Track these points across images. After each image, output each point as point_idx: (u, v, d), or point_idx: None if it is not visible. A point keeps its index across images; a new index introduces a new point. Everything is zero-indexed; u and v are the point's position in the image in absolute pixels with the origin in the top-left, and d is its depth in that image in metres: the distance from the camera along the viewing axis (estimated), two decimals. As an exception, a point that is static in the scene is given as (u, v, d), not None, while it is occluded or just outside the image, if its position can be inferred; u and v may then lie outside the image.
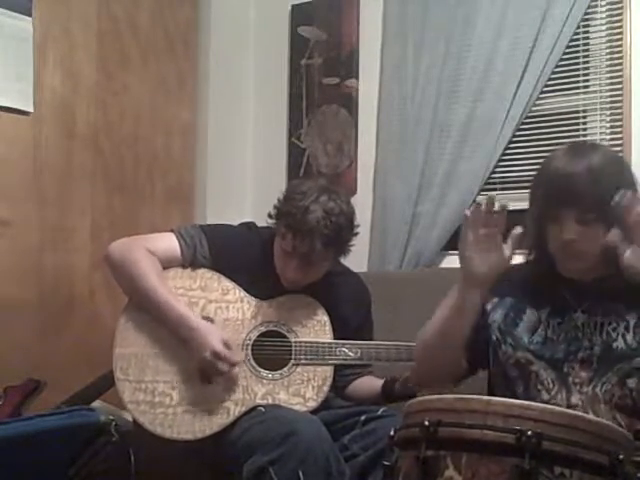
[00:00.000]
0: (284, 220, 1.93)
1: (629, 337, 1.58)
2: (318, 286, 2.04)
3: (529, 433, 1.17)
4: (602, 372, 1.58)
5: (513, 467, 1.17)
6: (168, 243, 2.01)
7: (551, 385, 1.61)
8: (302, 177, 2.02)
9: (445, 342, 1.66)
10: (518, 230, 1.60)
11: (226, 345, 1.88)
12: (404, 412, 1.39)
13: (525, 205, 1.72)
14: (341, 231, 1.93)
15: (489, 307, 1.73)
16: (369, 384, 2.10)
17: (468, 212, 1.61)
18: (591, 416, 1.27)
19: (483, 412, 1.22)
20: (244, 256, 2.04)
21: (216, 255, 2.01)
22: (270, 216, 2.01)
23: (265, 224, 2.07)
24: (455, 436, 1.22)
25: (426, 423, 1.24)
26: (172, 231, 2.04)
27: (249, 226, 2.14)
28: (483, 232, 1.60)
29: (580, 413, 1.32)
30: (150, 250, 1.97)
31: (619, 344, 1.58)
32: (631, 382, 1.56)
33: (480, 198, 2.75)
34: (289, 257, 1.95)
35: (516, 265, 1.78)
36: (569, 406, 1.58)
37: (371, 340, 2.11)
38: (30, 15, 2.52)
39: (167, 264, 1.99)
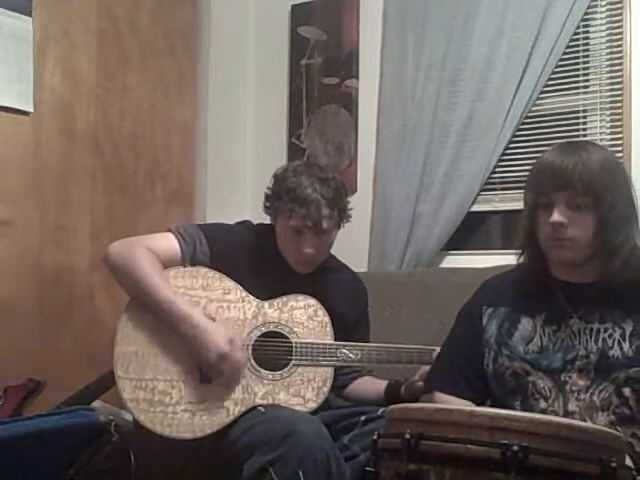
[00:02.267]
0: (286, 199, 1.96)
1: (625, 346, 1.58)
2: (315, 281, 2.05)
3: (515, 448, 1.13)
4: (599, 381, 1.58)
5: None
6: (167, 242, 2.01)
7: (548, 393, 1.61)
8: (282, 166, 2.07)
9: None
10: None
11: (232, 344, 1.88)
12: (386, 418, 1.37)
13: (525, 205, 1.72)
14: (340, 193, 2.00)
15: (485, 320, 1.73)
16: (371, 385, 2.10)
17: None
18: (580, 423, 1.24)
19: (466, 425, 1.19)
20: (243, 253, 2.04)
21: (216, 252, 2.01)
22: (267, 207, 2.04)
23: (261, 223, 2.09)
24: (438, 450, 1.19)
25: (407, 436, 1.20)
26: (170, 231, 2.04)
27: (246, 224, 2.15)
28: None
29: (568, 421, 1.30)
30: (150, 249, 1.97)
31: (615, 352, 1.58)
32: (627, 391, 1.56)
33: (480, 198, 2.75)
34: (300, 234, 1.97)
35: (507, 270, 1.79)
36: (566, 413, 1.58)
37: (367, 338, 2.12)
38: (30, 15, 2.52)
39: (167, 263, 1.99)
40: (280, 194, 1.98)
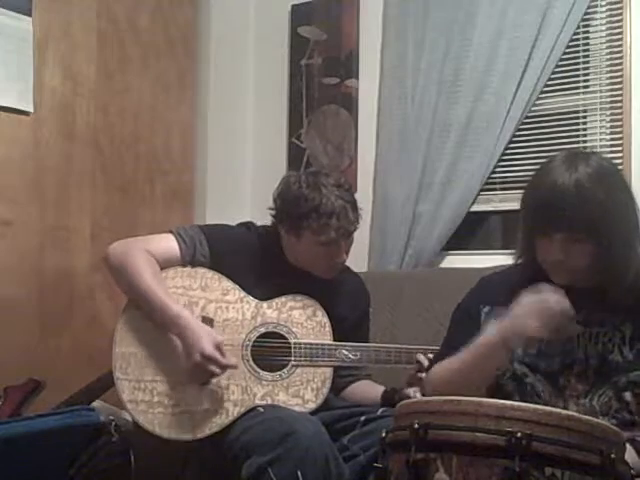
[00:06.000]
0: (314, 216, 1.93)
1: (625, 350, 1.58)
2: (318, 283, 2.04)
3: (519, 435, 1.16)
4: (598, 385, 1.57)
5: (503, 469, 1.17)
6: (167, 244, 2.01)
7: (547, 397, 1.60)
8: (283, 183, 2.05)
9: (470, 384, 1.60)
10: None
11: (218, 348, 1.86)
12: (394, 414, 1.39)
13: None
14: (352, 192, 2.03)
15: (482, 317, 1.71)
16: (368, 390, 2.10)
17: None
18: (582, 415, 1.27)
19: (474, 414, 1.22)
20: (244, 255, 2.04)
21: (216, 255, 2.01)
22: (287, 228, 1.99)
23: (263, 223, 2.10)
24: (445, 439, 1.22)
25: (415, 426, 1.23)
26: (171, 232, 2.04)
27: (247, 226, 2.14)
28: None
29: (571, 412, 1.32)
30: (149, 251, 1.97)
31: (615, 356, 1.58)
32: (627, 395, 1.55)
33: (480, 198, 2.75)
34: (332, 247, 1.96)
35: (505, 268, 1.78)
36: None
37: (367, 341, 2.12)
38: (30, 15, 2.52)
39: (166, 265, 1.99)
40: (306, 214, 1.94)
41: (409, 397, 1.90)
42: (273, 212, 2.04)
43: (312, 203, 1.93)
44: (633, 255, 1.57)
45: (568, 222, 1.52)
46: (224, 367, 1.87)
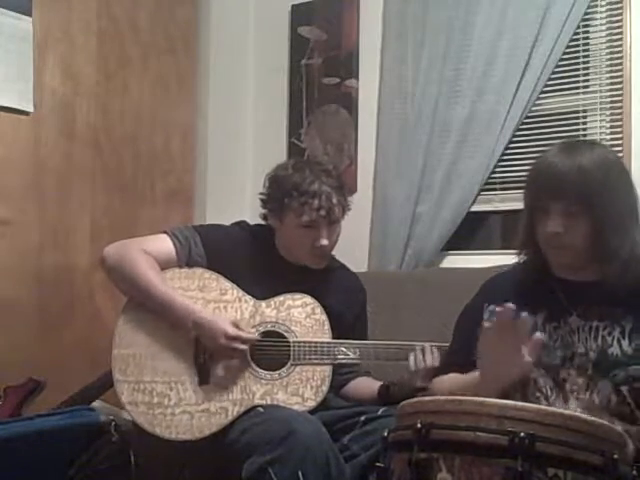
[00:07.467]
0: (295, 195, 1.96)
1: (624, 343, 1.58)
2: (315, 280, 2.05)
3: (522, 435, 1.16)
4: (597, 379, 1.58)
5: (506, 469, 1.17)
6: (162, 244, 2.01)
7: (549, 392, 1.61)
8: (274, 167, 2.09)
9: None
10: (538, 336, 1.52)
11: (236, 326, 1.91)
12: (397, 414, 1.39)
13: (525, 205, 1.72)
14: (342, 182, 2.04)
15: (485, 317, 1.72)
16: (366, 386, 2.10)
17: (487, 324, 1.54)
18: (585, 416, 1.27)
19: (476, 414, 1.22)
20: (240, 254, 2.05)
21: (211, 254, 2.02)
22: (271, 209, 2.03)
23: (258, 223, 2.10)
24: (448, 438, 1.22)
25: (418, 425, 1.23)
26: (165, 232, 2.04)
27: (241, 225, 2.15)
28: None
29: (574, 413, 1.33)
30: (145, 251, 1.98)
31: (614, 350, 1.58)
32: (625, 389, 1.56)
33: (480, 198, 2.75)
34: (313, 228, 1.98)
35: (508, 268, 1.78)
36: None
37: (365, 338, 2.12)
38: (30, 15, 2.52)
39: (163, 265, 2.00)
40: (288, 192, 1.97)
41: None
42: (261, 196, 2.07)
43: (294, 182, 1.96)
44: (627, 240, 1.59)
45: (566, 194, 1.55)
46: (247, 341, 1.91)
